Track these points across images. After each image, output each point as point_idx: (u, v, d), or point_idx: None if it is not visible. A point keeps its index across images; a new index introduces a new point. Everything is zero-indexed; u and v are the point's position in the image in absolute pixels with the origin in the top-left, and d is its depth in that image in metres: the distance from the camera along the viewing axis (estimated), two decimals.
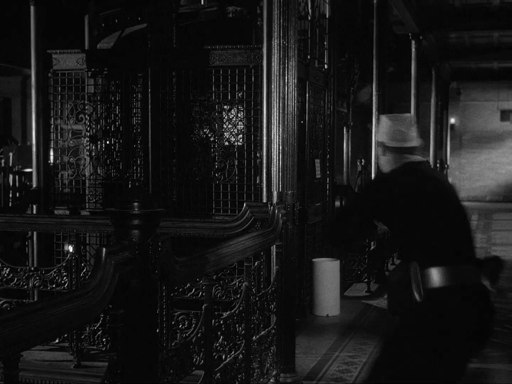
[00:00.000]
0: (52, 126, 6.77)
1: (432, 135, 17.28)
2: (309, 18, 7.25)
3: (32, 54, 6.87)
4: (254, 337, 4.13)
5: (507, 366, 5.39)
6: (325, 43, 7.65)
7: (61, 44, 7.00)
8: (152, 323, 2.81)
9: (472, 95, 23.09)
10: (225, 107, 6.31)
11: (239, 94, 6.28)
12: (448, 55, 17.61)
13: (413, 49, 13.33)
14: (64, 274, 5.11)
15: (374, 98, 9.08)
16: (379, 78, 8.97)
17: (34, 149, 6.92)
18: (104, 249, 2.55)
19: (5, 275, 5.16)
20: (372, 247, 8.58)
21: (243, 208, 4.79)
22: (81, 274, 5.07)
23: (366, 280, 8.19)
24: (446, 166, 19.68)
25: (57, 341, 5.18)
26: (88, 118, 6.62)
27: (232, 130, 6.31)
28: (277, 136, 4.53)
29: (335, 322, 6.62)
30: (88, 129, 6.61)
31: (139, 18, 7.34)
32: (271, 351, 4.42)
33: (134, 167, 6.60)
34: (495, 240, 13.20)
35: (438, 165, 17.37)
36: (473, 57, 17.99)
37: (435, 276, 2.94)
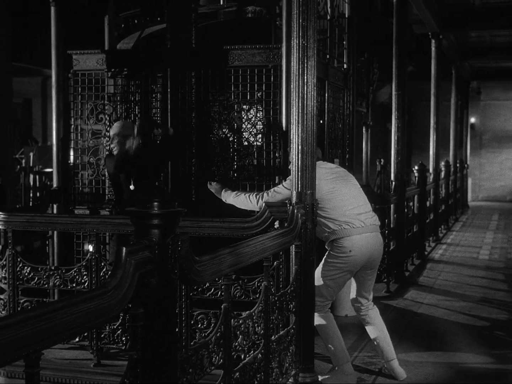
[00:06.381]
0: (72, 126, 6.82)
1: (452, 135, 17.18)
2: (328, 17, 7.24)
3: (53, 54, 6.92)
4: (273, 337, 4.13)
5: None
6: (344, 42, 7.63)
7: (81, 44, 7.04)
8: (172, 323, 2.82)
9: (492, 95, 22.92)
10: (244, 107, 6.32)
11: (258, 94, 6.28)
12: (468, 54, 17.50)
13: (433, 48, 13.26)
14: (84, 273, 5.13)
15: (393, 97, 9.04)
16: (399, 77, 8.93)
17: (54, 149, 6.97)
18: (124, 249, 2.56)
19: (26, 274, 5.19)
20: (391, 247, 8.54)
21: (262, 208, 4.79)
22: (101, 274, 5.09)
23: (385, 280, 8.15)
24: (466, 166, 19.56)
25: (77, 339, 5.20)
26: (108, 118, 6.65)
27: (251, 129, 6.31)
28: (296, 136, 4.53)
29: (354, 322, 6.59)
30: (108, 129, 6.64)
31: (159, 19, 7.37)
32: (290, 350, 4.42)
33: None
34: None
35: (458, 164, 17.28)
36: (494, 56, 17.87)
37: None
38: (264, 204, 4.80)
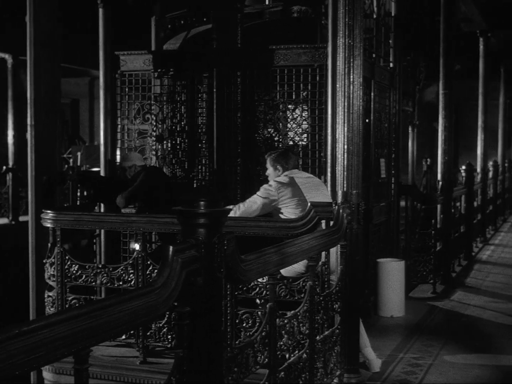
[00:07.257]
0: (119, 126, 6.90)
1: (501, 135, 16.92)
2: (375, 16, 7.19)
3: (101, 55, 7.01)
4: (318, 337, 4.12)
5: None
6: (390, 41, 7.57)
7: (128, 45, 7.12)
8: (218, 321, 2.83)
9: None
10: (290, 106, 6.32)
11: (304, 94, 6.27)
12: None
13: (481, 47, 13.07)
14: (130, 271, 5.18)
15: (440, 96, 8.94)
16: (446, 76, 8.82)
17: (101, 148, 7.06)
18: (171, 247, 2.58)
19: (74, 272, 5.26)
20: (438, 248, 8.45)
21: (307, 208, 4.78)
22: (147, 272, 5.13)
23: (431, 281, 8.06)
24: None
25: (123, 337, 5.26)
26: (154, 118, 6.72)
27: (296, 129, 6.31)
28: (342, 135, 4.51)
29: (399, 323, 6.55)
30: (154, 129, 6.71)
31: (205, 19, 7.41)
32: (335, 351, 4.41)
33: (199, 167, 6.66)
34: None
35: (506, 164, 17.00)
36: None
37: None
38: (309, 204, 4.79)
